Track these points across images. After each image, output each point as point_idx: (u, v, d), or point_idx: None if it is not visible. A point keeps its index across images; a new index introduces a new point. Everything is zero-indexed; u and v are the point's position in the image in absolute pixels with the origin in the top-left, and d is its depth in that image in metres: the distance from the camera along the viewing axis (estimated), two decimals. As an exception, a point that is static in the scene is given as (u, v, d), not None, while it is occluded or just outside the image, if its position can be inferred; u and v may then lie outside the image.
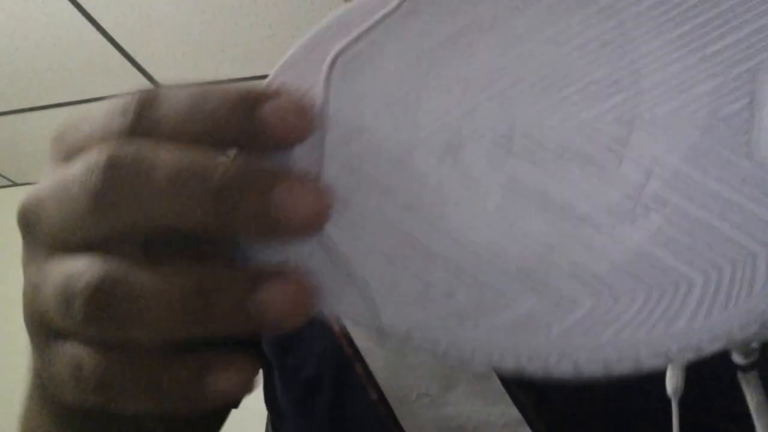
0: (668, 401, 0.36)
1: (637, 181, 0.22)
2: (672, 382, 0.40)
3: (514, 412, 0.41)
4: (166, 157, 0.20)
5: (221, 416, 0.51)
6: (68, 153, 0.22)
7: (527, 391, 0.42)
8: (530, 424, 0.41)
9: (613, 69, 0.22)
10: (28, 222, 0.22)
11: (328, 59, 0.23)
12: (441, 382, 0.43)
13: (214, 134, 0.21)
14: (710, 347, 0.21)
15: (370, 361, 0.44)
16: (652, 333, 0.21)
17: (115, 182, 0.20)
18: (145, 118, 0.21)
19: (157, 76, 1.97)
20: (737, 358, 0.38)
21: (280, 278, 0.21)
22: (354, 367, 0.45)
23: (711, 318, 0.21)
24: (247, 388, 0.22)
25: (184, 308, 0.20)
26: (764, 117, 0.22)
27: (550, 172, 0.22)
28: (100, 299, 0.20)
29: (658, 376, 0.37)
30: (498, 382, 0.42)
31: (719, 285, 0.21)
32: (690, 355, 0.21)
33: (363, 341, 0.44)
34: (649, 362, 0.21)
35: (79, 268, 0.20)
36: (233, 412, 0.51)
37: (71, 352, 0.21)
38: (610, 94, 0.22)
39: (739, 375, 0.38)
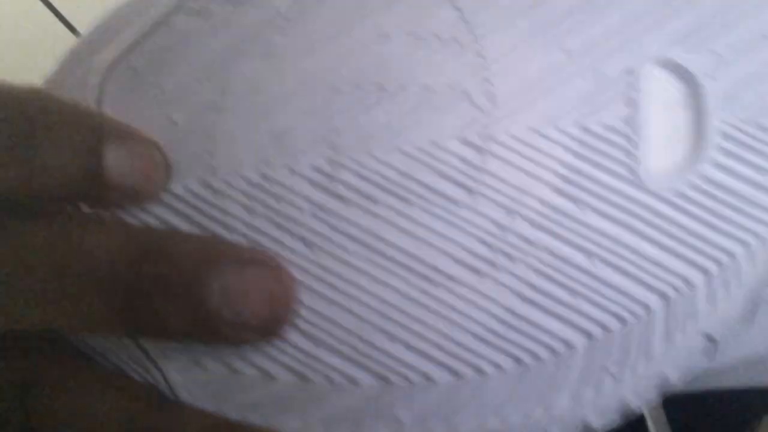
0: None
1: (495, 222, 0.16)
2: None
3: None
4: None
5: None
6: None
7: None
8: None
9: (456, 72, 0.17)
10: None
11: (99, 73, 0.17)
12: None
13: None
14: (600, 423, 0.16)
15: None
16: (529, 417, 0.16)
17: None
18: None
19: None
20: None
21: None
22: None
23: (602, 391, 0.16)
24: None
25: None
26: (648, 129, 0.17)
27: (386, 217, 0.16)
28: None
29: None
30: None
31: (608, 349, 0.16)
32: None
33: None
34: None
35: None
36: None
37: None
38: (454, 106, 0.17)
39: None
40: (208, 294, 0.14)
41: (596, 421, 0.16)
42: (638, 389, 0.16)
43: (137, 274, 0.14)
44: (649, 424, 0.35)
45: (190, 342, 0.16)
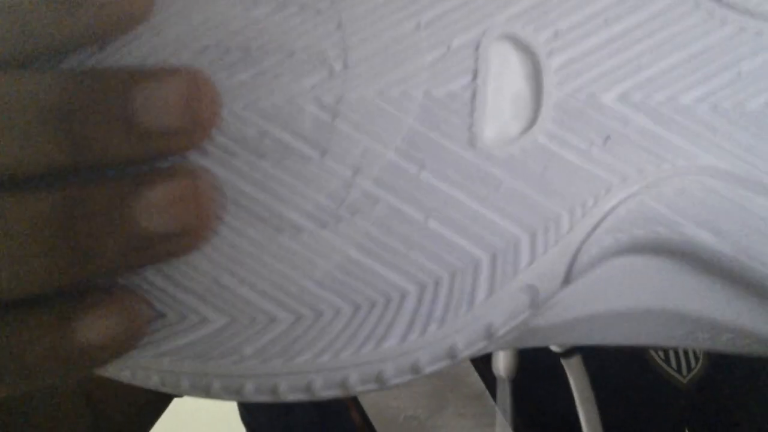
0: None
1: (342, 178, 0.18)
2: (504, 363, 0.38)
3: None
4: None
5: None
6: None
7: (522, 410, 0.39)
8: None
9: (315, 38, 0.18)
10: None
11: None
12: (429, 404, 0.40)
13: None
14: (430, 367, 0.18)
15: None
16: (359, 353, 0.18)
17: None
18: None
19: None
20: (554, 347, 0.36)
21: (167, 176, 0.17)
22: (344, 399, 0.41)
23: (426, 334, 0.18)
24: (133, 337, 0.17)
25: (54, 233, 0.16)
26: (489, 98, 0.18)
27: (241, 169, 0.18)
28: None
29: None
30: (491, 402, 0.39)
31: (436, 297, 0.18)
32: (406, 378, 0.18)
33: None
34: (359, 387, 0.18)
35: None
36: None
37: None
38: (311, 70, 0.18)
39: (562, 360, 0.37)
40: (135, 105, 0.16)
41: (424, 362, 0.18)
42: (465, 334, 0.18)
43: (71, 96, 0.16)
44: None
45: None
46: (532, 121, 0.18)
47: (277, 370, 0.18)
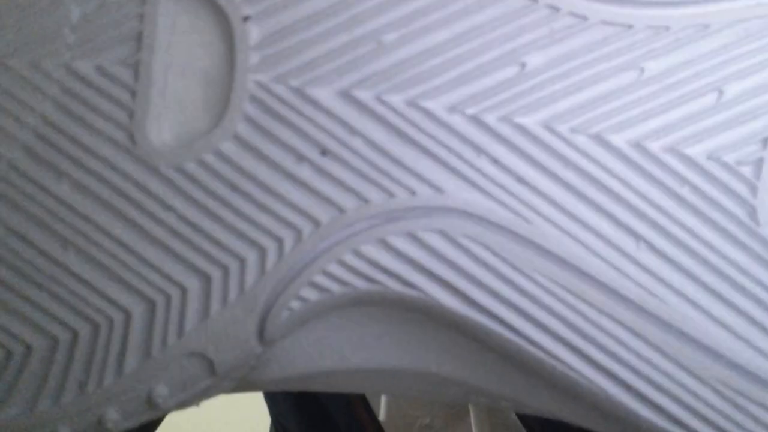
0: None
1: None
2: None
3: None
4: None
5: None
6: None
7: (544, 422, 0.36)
8: None
9: None
10: None
11: None
12: (448, 414, 0.38)
13: None
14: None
15: None
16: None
17: None
18: None
19: None
20: None
21: None
22: (349, 396, 0.39)
23: (65, 397, 0.13)
24: None
25: None
26: (156, 79, 0.13)
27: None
28: None
29: None
30: (513, 415, 0.37)
31: (71, 356, 0.13)
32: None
33: None
34: None
35: None
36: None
37: None
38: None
39: None
40: None
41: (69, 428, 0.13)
42: (118, 404, 0.13)
43: None
44: None
45: None
46: (216, 121, 0.13)
47: None
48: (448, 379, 0.14)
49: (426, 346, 0.14)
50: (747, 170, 0.13)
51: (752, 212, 0.13)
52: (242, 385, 0.15)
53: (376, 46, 0.12)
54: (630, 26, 0.12)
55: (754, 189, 0.13)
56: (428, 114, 0.12)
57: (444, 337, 0.14)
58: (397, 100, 0.12)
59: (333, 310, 0.13)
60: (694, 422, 0.13)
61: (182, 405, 0.14)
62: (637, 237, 0.13)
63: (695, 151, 0.13)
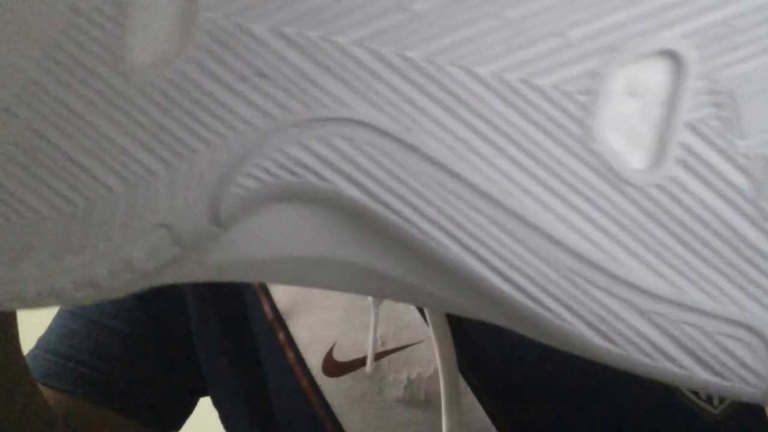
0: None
1: None
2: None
3: None
4: None
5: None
6: None
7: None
8: None
9: None
10: None
11: None
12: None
13: None
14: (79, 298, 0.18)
15: (344, 420, 0.40)
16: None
17: None
18: None
19: None
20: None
21: None
22: (325, 428, 0.41)
23: (65, 262, 0.18)
24: None
25: None
26: (138, 12, 0.17)
27: None
28: None
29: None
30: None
31: (71, 224, 0.18)
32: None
33: (337, 399, 0.40)
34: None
35: None
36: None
37: None
38: None
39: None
40: None
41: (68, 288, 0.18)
42: (105, 265, 0.18)
43: None
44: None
45: None
46: (181, 48, 0.17)
47: None
48: (369, 269, 0.18)
49: (351, 238, 0.18)
50: (585, 98, 0.16)
51: (588, 132, 0.16)
52: (206, 268, 0.19)
53: None
54: None
55: (590, 113, 0.16)
56: (338, 46, 0.16)
57: (367, 232, 0.18)
58: (314, 35, 0.16)
59: (275, 202, 0.18)
60: (549, 301, 0.17)
61: (159, 270, 0.18)
62: (497, 148, 0.16)
63: (543, 82, 0.16)
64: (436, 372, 0.37)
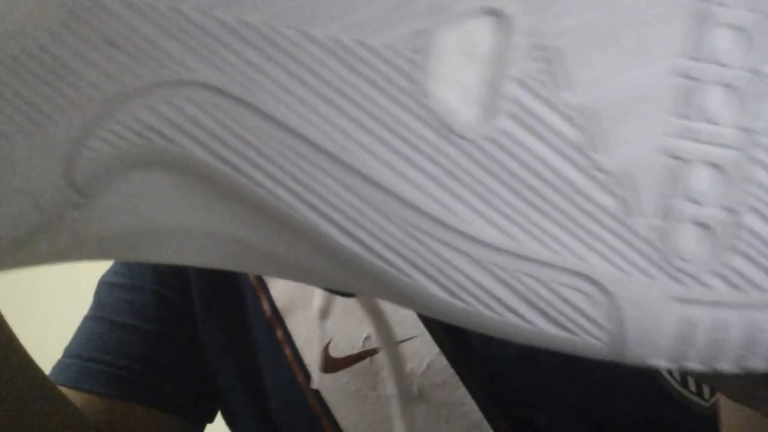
0: None
1: None
2: None
3: None
4: None
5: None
6: None
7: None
8: None
9: None
10: None
11: None
12: None
13: None
14: None
15: (339, 416, 0.41)
16: None
17: None
18: None
19: None
20: None
21: None
22: (322, 424, 0.41)
23: None
24: None
25: None
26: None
27: None
28: None
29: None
30: None
31: None
32: None
33: (333, 395, 0.41)
34: None
35: None
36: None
37: None
38: None
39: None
40: None
41: None
42: None
43: None
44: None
45: None
46: (37, 20, 0.18)
47: None
48: (229, 238, 0.19)
49: (207, 205, 0.19)
50: (416, 56, 0.17)
51: (421, 89, 0.17)
52: (84, 244, 0.19)
53: None
54: None
55: (423, 70, 0.17)
56: (182, 14, 0.17)
57: (222, 197, 0.18)
58: (161, 5, 0.17)
59: (134, 170, 0.18)
60: (393, 257, 0.17)
61: (28, 242, 0.19)
62: (335, 106, 0.17)
63: (375, 42, 0.17)
64: (429, 367, 0.38)
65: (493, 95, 0.17)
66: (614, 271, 0.17)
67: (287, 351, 0.42)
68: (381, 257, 0.17)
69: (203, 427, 0.48)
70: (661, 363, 0.17)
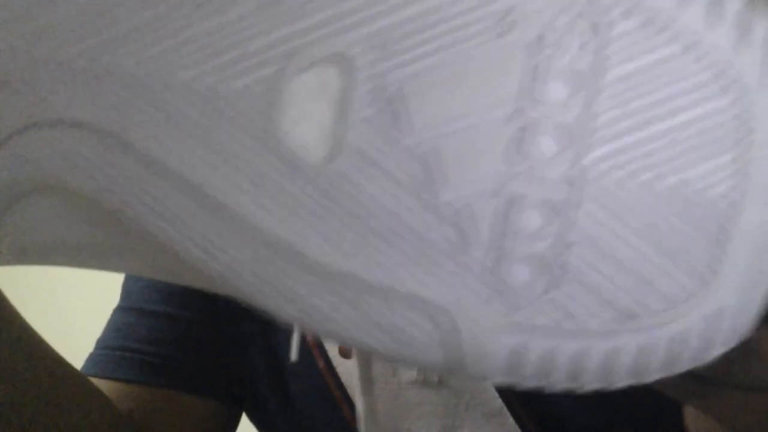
0: None
1: None
2: None
3: None
4: None
5: None
6: None
7: (544, 428, 0.38)
8: None
9: None
10: None
11: None
12: (443, 424, 0.38)
13: None
14: None
15: (359, 403, 0.40)
16: None
17: None
18: None
19: None
20: None
21: None
22: (341, 409, 0.42)
23: None
24: None
25: None
26: None
27: None
28: None
29: None
30: (510, 420, 0.37)
31: None
32: None
33: (353, 380, 0.40)
34: None
35: None
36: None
37: None
38: None
39: None
40: None
41: None
42: None
43: None
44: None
45: None
46: None
47: None
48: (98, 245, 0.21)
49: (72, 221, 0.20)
50: (271, 99, 0.18)
51: (274, 127, 0.18)
52: (14, 252, 0.22)
53: None
54: None
55: (278, 110, 0.18)
56: (61, 61, 0.19)
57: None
58: (40, 56, 0.19)
59: (26, 194, 0.20)
60: (245, 277, 0.19)
61: None
62: (194, 140, 0.19)
63: (233, 86, 0.18)
64: None
65: (337, 136, 0.18)
66: (453, 297, 0.18)
67: (308, 336, 0.42)
68: (239, 279, 0.19)
69: (239, 409, 0.48)
70: (497, 380, 0.19)
